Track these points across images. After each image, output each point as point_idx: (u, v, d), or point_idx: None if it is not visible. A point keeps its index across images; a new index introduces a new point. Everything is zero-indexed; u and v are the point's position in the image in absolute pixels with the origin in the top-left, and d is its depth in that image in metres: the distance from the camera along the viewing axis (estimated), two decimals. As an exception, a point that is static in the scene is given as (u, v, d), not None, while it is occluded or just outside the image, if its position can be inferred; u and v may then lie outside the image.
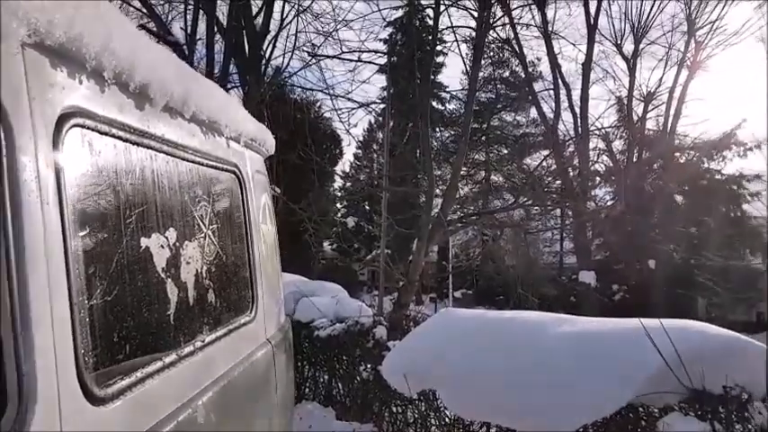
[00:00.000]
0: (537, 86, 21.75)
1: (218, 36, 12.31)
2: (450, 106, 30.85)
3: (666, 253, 21.75)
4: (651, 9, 20.34)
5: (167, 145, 1.66)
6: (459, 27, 14.12)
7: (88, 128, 1.32)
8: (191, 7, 12.33)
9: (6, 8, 1.02)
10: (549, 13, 18.19)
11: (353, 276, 28.63)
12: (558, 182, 19.46)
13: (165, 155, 1.66)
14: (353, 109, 13.35)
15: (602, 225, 21.97)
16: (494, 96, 29.11)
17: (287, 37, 12.58)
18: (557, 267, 27.76)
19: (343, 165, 31.05)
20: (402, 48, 20.88)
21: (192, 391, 1.68)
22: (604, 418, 3.12)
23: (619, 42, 21.17)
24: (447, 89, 30.52)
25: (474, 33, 13.23)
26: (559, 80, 19.58)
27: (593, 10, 19.01)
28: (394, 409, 4.92)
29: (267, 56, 12.41)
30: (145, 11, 12.02)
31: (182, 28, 12.54)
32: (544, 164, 21.31)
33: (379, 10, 16.58)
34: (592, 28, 19.21)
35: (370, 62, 13.19)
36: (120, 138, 1.44)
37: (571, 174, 19.95)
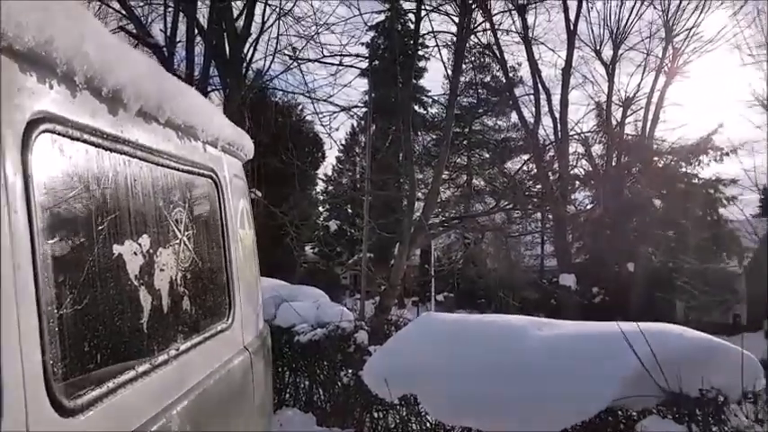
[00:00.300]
0: (517, 91, 22.00)
1: (198, 38, 12.22)
2: (433, 110, 30.99)
3: (645, 256, 22.07)
4: (629, 15, 20.71)
5: (141, 150, 1.64)
6: (440, 32, 14.23)
7: (59, 133, 1.30)
8: (170, 9, 12.22)
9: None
10: (530, 19, 18.43)
11: (336, 280, 28.58)
12: (539, 186, 19.63)
13: (139, 160, 1.63)
14: (335, 112, 13.35)
15: (582, 228, 22.22)
16: (475, 101, 29.31)
17: (268, 40, 12.54)
18: (537, 270, 27.98)
19: (325, 168, 30.98)
20: (384, 52, 20.91)
21: (166, 400, 1.65)
22: (584, 422, 3.14)
23: (598, 48, 21.49)
24: (429, 93, 30.64)
25: (455, 38, 13.31)
26: (539, 85, 19.80)
27: (572, 16, 19.29)
28: (375, 415, 4.91)
29: (248, 59, 12.35)
30: (124, 12, 11.89)
31: (161, 30, 12.43)
32: (525, 168, 21.50)
33: (361, 14, 16.65)
34: (571, 34, 19.46)
35: (351, 66, 13.22)
36: (92, 143, 1.42)
37: (551, 178, 20.13)
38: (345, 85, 18.97)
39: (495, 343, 3.75)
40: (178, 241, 1.83)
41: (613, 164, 22.64)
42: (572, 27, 19.32)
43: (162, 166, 1.77)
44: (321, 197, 31.56)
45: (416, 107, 29.59)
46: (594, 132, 23.51)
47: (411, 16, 14.62)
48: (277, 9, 12.22)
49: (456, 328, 4.21)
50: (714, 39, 19.68)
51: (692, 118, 43.92)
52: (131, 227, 1.55)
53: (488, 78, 28.79)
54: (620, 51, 21.29)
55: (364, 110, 16.80)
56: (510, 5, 17.15)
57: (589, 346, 3.44)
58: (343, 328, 5.57)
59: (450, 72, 13.35)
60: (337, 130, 54.24)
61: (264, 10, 12.34)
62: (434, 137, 29.81)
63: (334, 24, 13.98)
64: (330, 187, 32.32)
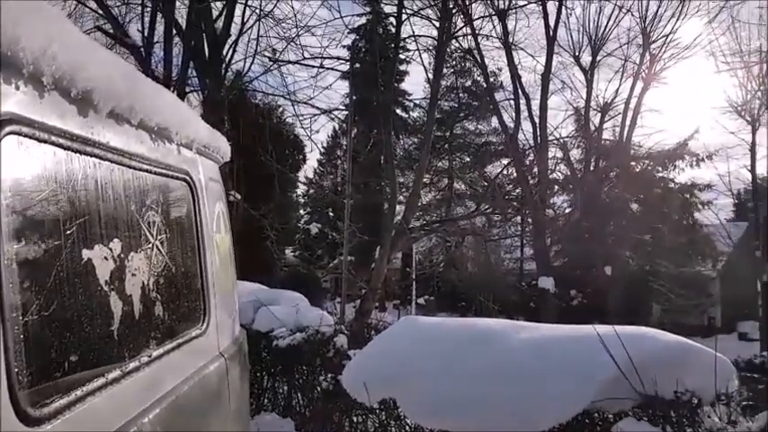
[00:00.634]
0: (498, 96, 22.13)
1: (176, 39, 12.08)
2: (414, 114, 31.07)
3: (622, 259, 22.37)
4: (608, 22, 20.98)
5: (113, 152, 1.60)
6: (421, 36, 14.27)
7: (25, 135, 1.26)
8: (148, 9, 12.06)
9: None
10: (510, 25, 18.54)
11: (317, 284, 28.41)
12: (518, 190, 19.80)
13: (110, 162, 1.59)
14: (316, 115, 13.32)
15: (561, 232, 22.44)
16: (456, 105, 29.46)
17: (248, 41, 12.46)
18: (517, 273, 28.18)
19: (306, 171, 30.83)
20: (365, 55, 20.93)
21: (138, 408, 1.62)
22: (561, 424, 3.16)
23: (577, 54, 21.75)
24: (410, 97, 30.73)
25: (436, 42, 13.37)
26: (519, 90, 19.95)
27: (552, 22, 19.45)
28: (354, 419, 4.88)
29: (228, 60, 12.25)
30: (101, 12, 11.72)
31: (139, 30, 12.27)
32: (505, 172, 21.68)
33: (342, 17, 16.65)
34: (551, 40, 19.64)
35: (332, 68, 13.21)
36: (60, 145, 1.38)
37: (530, 182, 20.30)
38: (326, 88, 18.94)
39: (473, 347, 3.76)
40: (150, 246, 1.79)
41: (591, 168, 22.93)
42: (551, 33, 19.52)
43: (134, 168, 1.74)
44: (302, 200, 31.43)
45: (398, 111, 29.67)
46: (573, 137, 23.82)
47: (392, 20, 14.64)
48: (257, 10, 12.16)
49: (435, 331, 4.22)
50: (690, 46, 20.03)
51: (668, 124, 44.71)
52: (101, 231, 1.52)
53: (469, 83, 28.97)
54: (598, 57, 21.58)
55: (345, 113, 16.78)
56: (490, 11, 17.28)
57: (566, 349, 3.46)
58: (323, 333, 5.54)
59: (431, 76, 13.39)
60: (318, 132, 54.12)
61: (244, 11, 12.28)
62: (416, 140, 29.88)
63: (314, 27, 13.96)
64: (311, 190, 32.19)
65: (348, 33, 19.23)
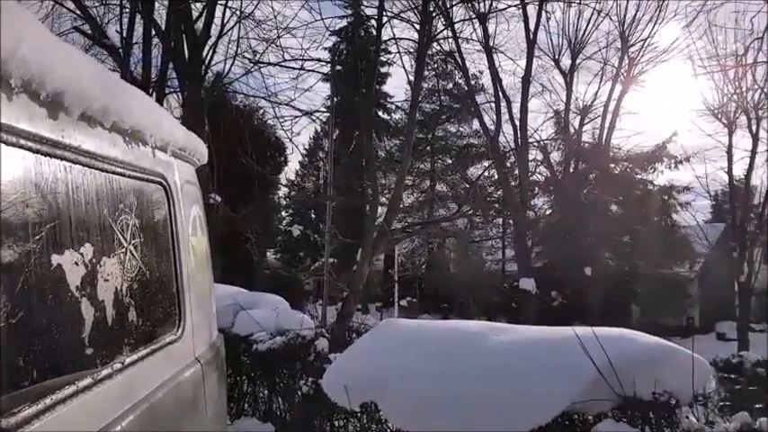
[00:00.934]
0: (479, 99, 22.27)
1: (155, 40, 11.95)
2: (396, 116, 31.11)
3: (602, 261, 22.61)
4: (587, 26, 21.24)
5: (84, 155, 1.57)
6: (402, 39, 14.27)
7: (-8, 138, 1.23)
8: (127, 9, 11.92)
9: None
10: (490, 28, 18.65)
11: (299, 286, 28.27)
12: (500, 192, 19.92)
13: (81, 166, 1.56)
14: (297, 117, 13.24)
15: (541, 234, 22.63)
16: (438, 107, 29.55)
17: (228, 43, 12.37)
18: (499, 275, 28.33)
19: (287, 173, 30.68)
20: (347, 57, 20.91)
21: (110, 416, 1.58)
22: (541, 426, 3.17)
23: (557, 57, 21.99)
24: (392, 99, 30.77)
25: (417, 45, 13.39)
26: (500, 93, 20.10)
27: (532, 26, 19.63)
28: (335, 423, 4.85)
29: (207, 61, 12.13)
30: (79, 13, 11.54)
31: (118, 31, 12.12)
32: (486, 174, 21.80)
33: (323, 19, 16.60)
34: (531, 43, 19.82)
35: (313, 70, 13.14)
36: (29, 149, 1.35)
37: (512, 184, 20.44)
38: (307, 90, 18.95)
39: (454, 349, 3.76)
40: (124, 250, 1.76)
41: (571, 170, 23.16)
42: (531, 36, 19.70)
43: (107, 171, 1.70)
44: (284, 202, 31.28)
45: (380, 113, 29.70)
46: (553, 140, 24.04)
47: (373, 22, 14.63)
48: (237, 12, 12.08)
49: (416, 334, 4.21)
50: (668, 49, 20.40)
51: (647, 126, 45.35)
52: (72, 235, 1.48)
53: (451, 85, 29.10)
54: (577, 61, 21.85)
55: (327, 115, 16.73)
56: (471, 14, 17.37)
57: (547, 351, 3.48)
58: (303, 336, 5.49)
59: (412, 78, 13.41)
60: (299, 134, 53.90)
61: (224, 12, 12.19)
62: (398, 142, 29.92)
63: (295, 29, 13.86)
64: (293, 192, 32.04)
65: (329, 35, 19.18)
